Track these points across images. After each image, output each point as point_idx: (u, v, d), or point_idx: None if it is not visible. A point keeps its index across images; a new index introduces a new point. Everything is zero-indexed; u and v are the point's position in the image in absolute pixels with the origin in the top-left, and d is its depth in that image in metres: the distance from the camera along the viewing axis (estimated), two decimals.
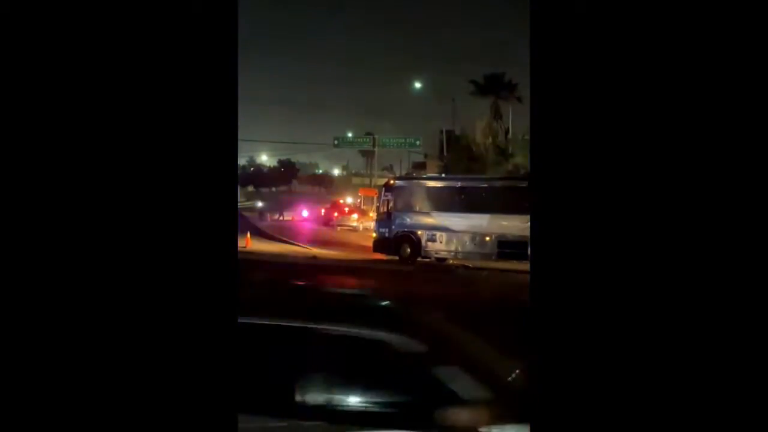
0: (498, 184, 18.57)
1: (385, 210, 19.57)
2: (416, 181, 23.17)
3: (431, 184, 20.59)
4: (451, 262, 18.61)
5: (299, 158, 73.11)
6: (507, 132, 34.52)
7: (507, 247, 17.17)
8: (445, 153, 36.00)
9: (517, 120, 34.89)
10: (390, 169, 44.77)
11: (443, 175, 29.40)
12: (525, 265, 16.23)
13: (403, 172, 42.39)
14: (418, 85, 37.66)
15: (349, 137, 42.51)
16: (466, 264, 17.93)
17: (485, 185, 18.80)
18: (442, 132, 37.34)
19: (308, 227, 33.82)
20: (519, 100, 34.54)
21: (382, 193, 20.44)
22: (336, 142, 41.12)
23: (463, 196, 18.75)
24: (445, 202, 18.80)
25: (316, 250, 22.44)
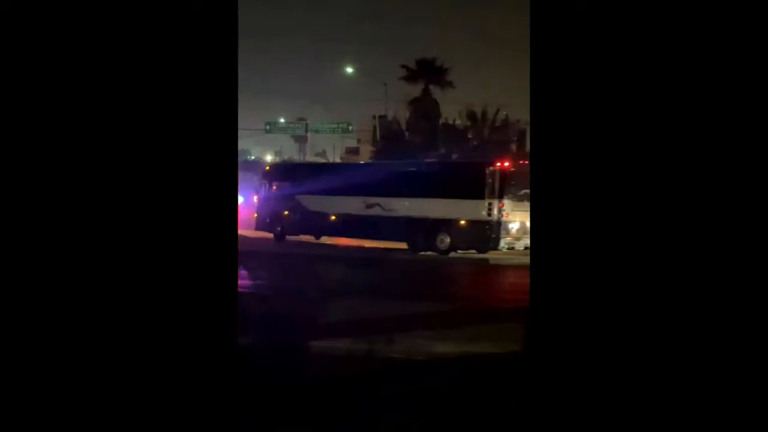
0: (344, 168, 22.73)
1: (263, 193, 21.95)
2: (286, 166, 28.20)
3: (296, 169, 24.35)
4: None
5: None
6: (438, 116, 34.77)
7: (348, 224, 19.85)
8: (377, 138, 36.01)
9: (448, 105, 35.23)
10: (323, 154, 44.42)
11: (301, 160, 34.60)
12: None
13: (337, 158, 42.25)
14: (350, 69, 37.45)
15: (281, 122, 41.99)
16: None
17: (335, 170, 22.61)
18: (374, 117, 37.32)
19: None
20: (451, 84, 34.86)
21: (261, 177, 22.93)
22: (268, 127, 40.53)
23: (316, 180, 21.19)
24: (304, 185, 21.15)
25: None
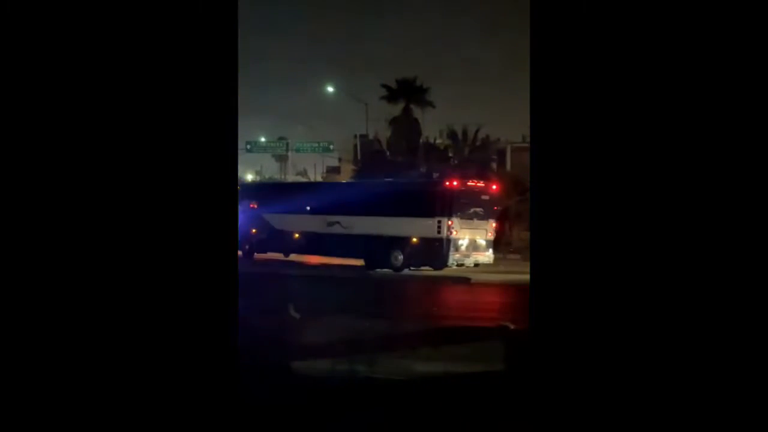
0: (307, 188, 23.90)
1: None
2: (254, 186, 29.52)
3: (263, 188, 25.81)
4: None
5: None
6: (419, 135, 34.58)
7: (311, 242, 20.55)
8: (358, 157, 35.79)
9: (429, 123, 35.10)
10: (304, 173, 44.22)
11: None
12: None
13: (318, 177, 42.04)
14: (330, 89, 37.33)
15: (262, 142, 41.76)
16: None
17: (299, 189, 23.35)
18: (355, 136, 37.17)
19: None
20: (431, 104, 34.71)
21: None
22: (248, 146, 40.24)
23: (281, 199, 22.09)
24: (270, 204, 22.08)
25: None
